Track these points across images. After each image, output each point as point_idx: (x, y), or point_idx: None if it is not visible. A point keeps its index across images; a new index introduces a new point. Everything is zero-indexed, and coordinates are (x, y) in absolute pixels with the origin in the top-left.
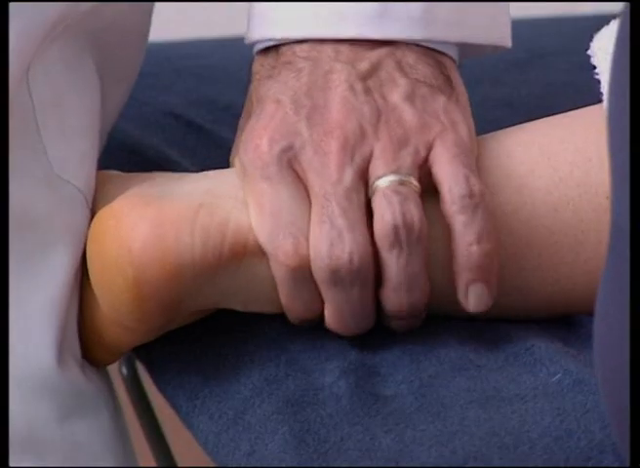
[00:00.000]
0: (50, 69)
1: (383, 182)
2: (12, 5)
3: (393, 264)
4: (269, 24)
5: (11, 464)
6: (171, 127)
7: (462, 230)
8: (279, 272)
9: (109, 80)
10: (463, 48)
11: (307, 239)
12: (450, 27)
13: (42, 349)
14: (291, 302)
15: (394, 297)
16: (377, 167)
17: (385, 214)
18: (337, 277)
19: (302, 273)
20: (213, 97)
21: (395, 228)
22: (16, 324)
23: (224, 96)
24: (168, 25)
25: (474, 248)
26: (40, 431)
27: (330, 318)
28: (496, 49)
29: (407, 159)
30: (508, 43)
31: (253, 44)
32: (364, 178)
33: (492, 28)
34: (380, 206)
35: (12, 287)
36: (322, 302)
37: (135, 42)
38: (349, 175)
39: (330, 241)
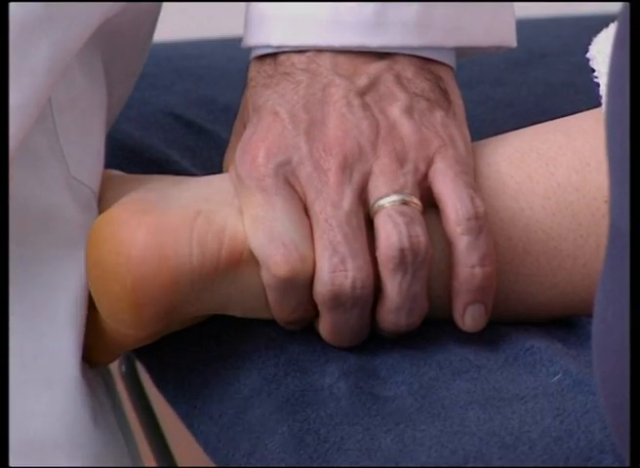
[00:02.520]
0: (67, 70)
1: (386, 202)
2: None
3: (395, 286)
4: (266, 31)
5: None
6: (171, 127)
7: (466, 252)
8: (269, 280)
9: (114, 79)
10: (463, 49)
11: (299, 250)
12: (447, 33)
13: (69, 350)
14: (278, 308)
15: (393, 318)
16: (377, 186)
17: (391, 237)
18: (338, 302)
19: (292, 283)
20: (213, 97)
21: (402, 251)
22: (41, 326)
23: (224, 96)
24: (168, 25)
25: (477, 270)
26: (78, 433)
27: (326, 333)
28: (499, 49)
29: (408, 178)
30: (512, 43)
31: (249, 49)
32: (363, 197)
33: (493, 30)
34: (385, 227)
35: (37, 289)
36: (310, 308)
37: (140, 42)
38: (349, 197)
39: (333, 267)
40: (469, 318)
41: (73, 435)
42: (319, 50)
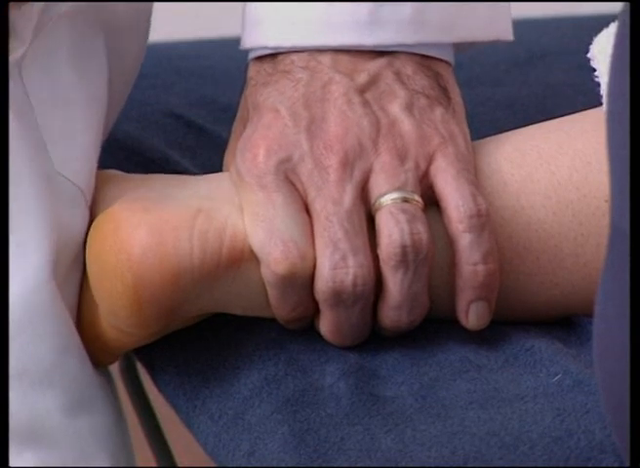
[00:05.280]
0: (53, 68)
1: (387, 200)
2: None
3: (397, 284)
4: (262, 33)
5: (10, 457)
6: (171, 127)
7: (469, 249)
8: (269, 278)
9: (114, 77)
10: (461, 43)
11: (299, 247)
12: (442, 29)
13: (42, 342)
14: (279, 305)
15: (394, 316)
16: (378, 183)
17: (393, 234)
18: (339, 299)
19: (291, 280)
20: (213, 97)
21: (403, 248)
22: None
23: (225, 96)
24: (168, 25)
25: (480, 267)
26: (43, 423)
27: (327, 332)
28: (496, 43)
29: (409, 175)
30: (509, 36)
31: (247, 50)
32: (364, 194)
33: (489, 24)
34: (386, 224)
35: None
36: (311, 306)
37: (140, 39)
38: (350, 194)
39: (334, 264)
40: (473, 315)
41: (42, 430)
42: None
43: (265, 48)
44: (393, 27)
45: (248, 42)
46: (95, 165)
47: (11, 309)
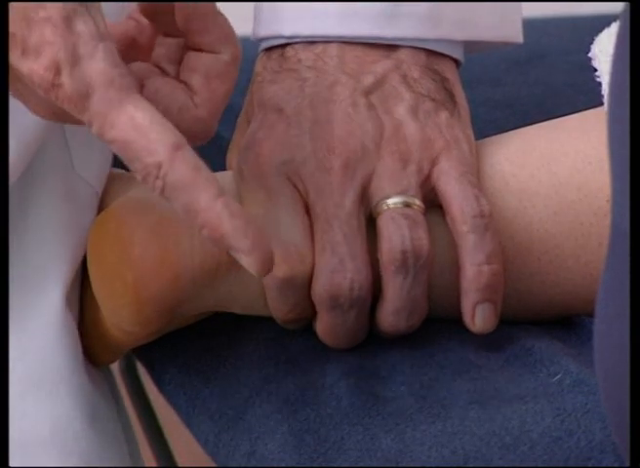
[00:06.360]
0: None
1: (389, 204)
2: None
3: (396, 289)
4: (278, 22)
5: (28, 463)
6: None
7: (473, 250)
8: (267, 280)
9: None
10: (471, 43)
11: (298, 250)
12: (457, 26)
13: (57, 351)
14: (277, 306)
15: (392, 320)
16: (380, 187)
17: (394, 239)
18: (335, 303)
19: (290, 283)
20: None
21: (404, 254)
22: (29, 325)
23: None
24: None
25: (484, 268)
26: (65, 430)
27: (323, 334)
28: (506, 44)
29: (411, 179)
30: (519, 39)
31: (259, 40)
32: (365, 198)
33: (501, 25)
34: (387, 229)
35: (23, 287)
36: (309, 308)
37: None
38: (350, 197)
39: (331, 268)
40: (479, 318)
41: (64, 437)
42: (328, 42)
43: (280, 37)
44: (411, 21)
45: (262, 31)
46: (109, 167)
47: (28, 320)
